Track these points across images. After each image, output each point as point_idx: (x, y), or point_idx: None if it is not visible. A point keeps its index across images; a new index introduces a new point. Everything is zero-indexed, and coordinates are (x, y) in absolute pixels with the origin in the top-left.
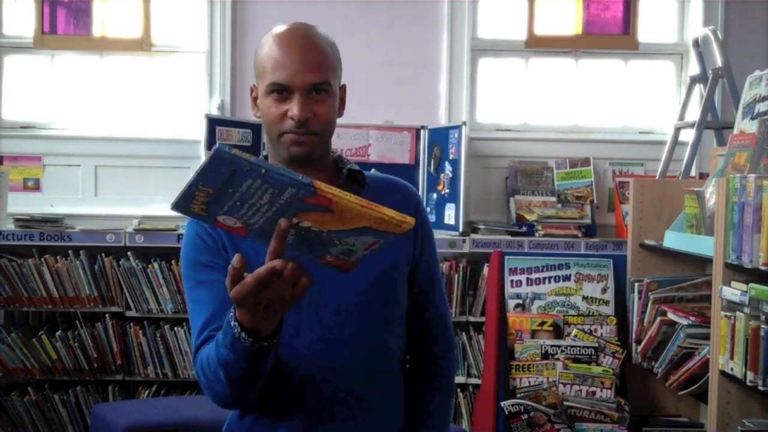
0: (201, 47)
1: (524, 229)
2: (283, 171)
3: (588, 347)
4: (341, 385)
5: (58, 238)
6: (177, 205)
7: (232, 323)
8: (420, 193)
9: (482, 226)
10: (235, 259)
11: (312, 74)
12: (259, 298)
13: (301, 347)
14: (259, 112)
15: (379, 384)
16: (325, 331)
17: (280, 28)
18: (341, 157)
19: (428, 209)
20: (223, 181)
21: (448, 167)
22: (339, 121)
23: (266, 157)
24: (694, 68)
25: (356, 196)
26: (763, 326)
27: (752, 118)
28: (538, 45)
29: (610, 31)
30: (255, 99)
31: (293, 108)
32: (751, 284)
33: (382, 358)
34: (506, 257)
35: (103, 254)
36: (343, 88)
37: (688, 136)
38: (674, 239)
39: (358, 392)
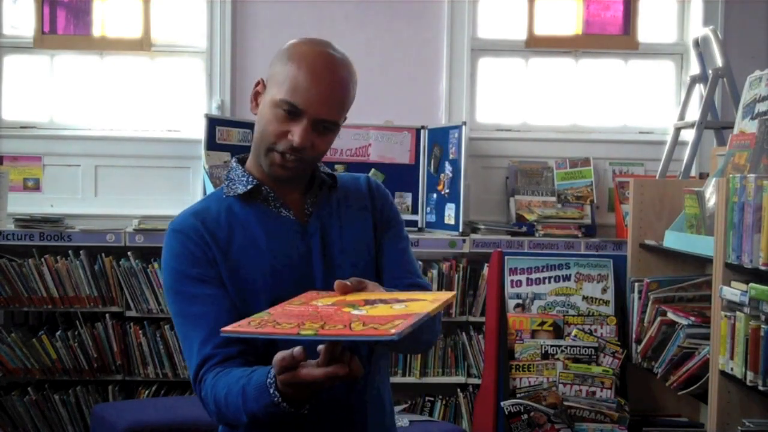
0: (201, 47)
1: (524, 229)
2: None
3: (588, 347)
4: (340, 398)
5: (58, 238)
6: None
7: (271, 390)
8: (420, 193)
9: (482, 226)
10: (297, 350)
11: (327, 110)
12: (313, 385)
13: None
14: (258, 112)
15: (371, 392)
16: None
17: (311, 47)
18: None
19: (428, 209)
20: None
21: (448, 167)
22: None
23: (244, 160)
24: (694, 68)
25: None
26: (763, 326)
27: (752, 118)
28: (538, 45)
29: (610, 31)
30: (257, 94)
31: (295, 133)
32: (751, 284)
33: (374, 367)
34: (506, 257)
35: (103, 254)
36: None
37: (688, 136)
38: (674, 239)
39: (352, 404)
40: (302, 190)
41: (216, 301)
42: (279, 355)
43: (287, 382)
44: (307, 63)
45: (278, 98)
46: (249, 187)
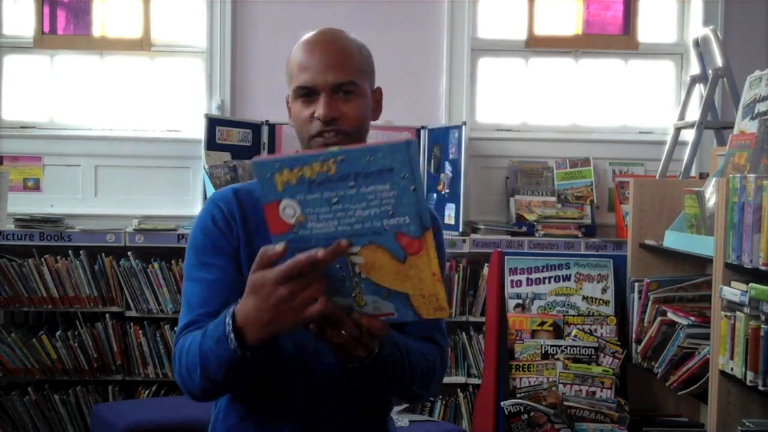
0: (201, 47)
1: (524, 229)
2: (425, 202)
3: (588, 347)
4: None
5: (58, 238)
6: (262, 165)
7: (227, 319)
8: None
9: (482, 226)
10: (280, 245)
11: (335, 74)
12: (278, 290)
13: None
14: (290, 116)
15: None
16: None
17: (307, 35)
18: None
19: None
20: (359, 172)
21: (448, 167)
22: None
23: None
24: (694, 68)
25: (437, 263)
26: (763, 326)
27: (752, 118)
28: (538, 45)
29: (610, 31)
30: (290, 109)
31: (319, 108)
32: (751, 284)
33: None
34: (506, 257)
35: (103, 254)
36: (377, 91)
37: (688, 136)
38: (674, 239)
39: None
40: None
41: (221, 273)
42: (262, 249)
43: (259, 279)
44: (303, 45)
45: (292, 88)
46: None
